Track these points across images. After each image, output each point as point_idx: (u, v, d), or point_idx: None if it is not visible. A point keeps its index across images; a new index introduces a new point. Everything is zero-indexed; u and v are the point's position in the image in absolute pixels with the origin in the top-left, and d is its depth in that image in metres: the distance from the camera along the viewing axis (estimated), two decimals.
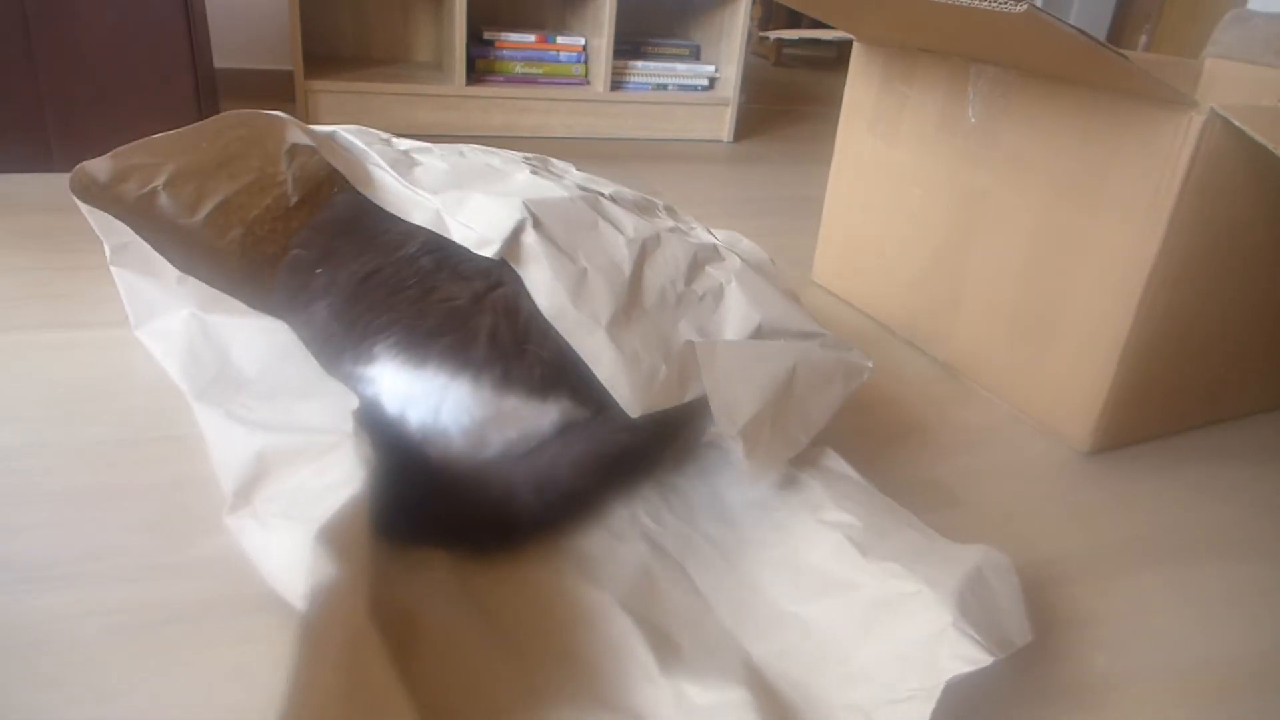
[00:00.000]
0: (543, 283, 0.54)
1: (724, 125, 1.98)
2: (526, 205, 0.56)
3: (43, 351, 0.77)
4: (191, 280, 0.62)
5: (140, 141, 0.68)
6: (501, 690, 0.46)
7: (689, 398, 0.56)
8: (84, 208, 0.64)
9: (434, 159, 0.64)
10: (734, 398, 0.55)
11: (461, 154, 0.66)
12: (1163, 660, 0.56)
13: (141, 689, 0.46)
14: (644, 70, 1.93)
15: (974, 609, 0.48)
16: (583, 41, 1.87)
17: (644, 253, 0.59)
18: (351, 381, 0.58)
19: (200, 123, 0.69)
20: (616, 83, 1.90)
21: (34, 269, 0.94)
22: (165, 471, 0.63)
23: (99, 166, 0.66)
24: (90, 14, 1.19)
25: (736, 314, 0.60)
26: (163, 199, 0.70)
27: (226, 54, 1.85)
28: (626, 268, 0.57)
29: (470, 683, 0.46)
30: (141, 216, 0.68)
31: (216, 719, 0.45)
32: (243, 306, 0.60)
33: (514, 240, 0.55)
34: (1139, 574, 0.64)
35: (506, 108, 1.80)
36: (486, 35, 1.82)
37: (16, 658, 0.47)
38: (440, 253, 0.60)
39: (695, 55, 2.05)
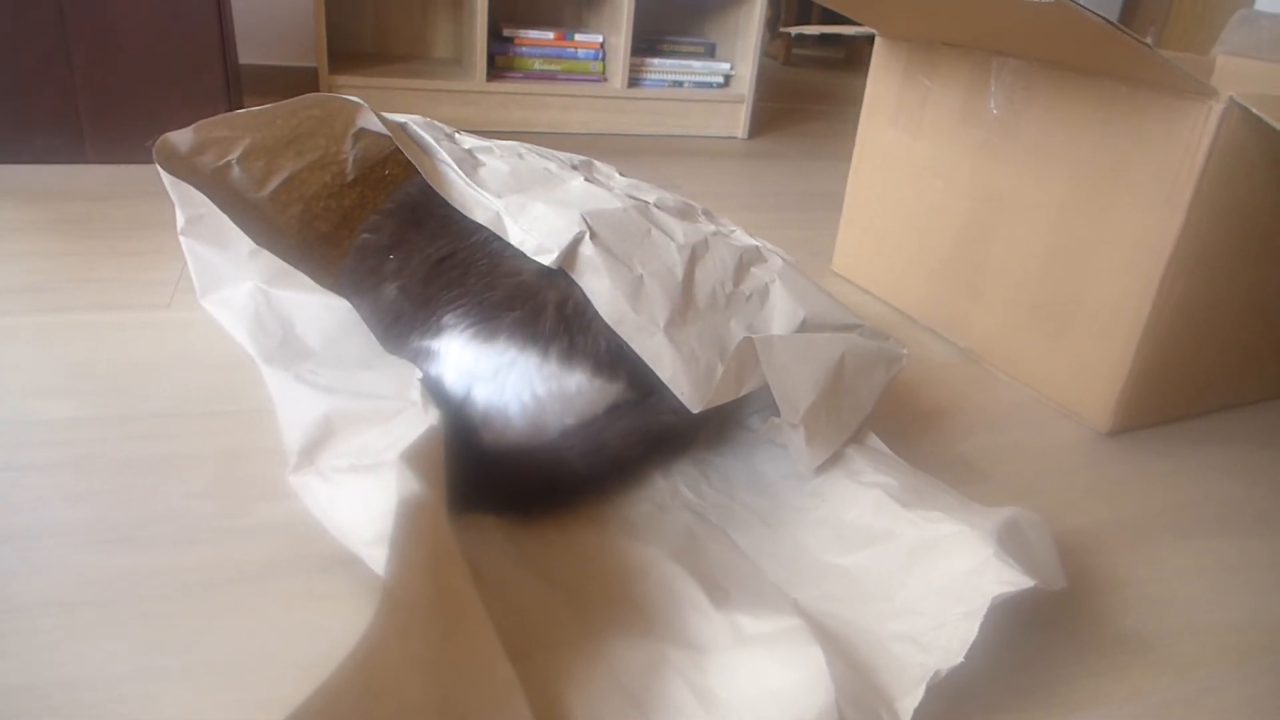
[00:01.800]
0: (602, 291, 0.57)
1: (739, 122, 2.00)
2: (584, 217, 0.59)
3: (91, 331, 0.80)
4: (265, 254, 0.64)
5: (221, 116, 0.70)
6: (559, 627, 0.48)
7: (745, 392, 0.59)
8: (165, 177, 0.66)
9: (496, 160, 0.66)
10: (793, 388, 0.59)
11: (520, 156, 0.68)
12: (1186, 624, 0.58)
13: (211, 642, 0.48)
14: (660, 67, 1.95)
15: (1011, 546, 0.50)
16: (600, 39, 1.90)
17: (694, 257, 0.62)
18: (418, 357, 0.60)
19: (279, 102, 0.71)
20: (633, 80, 1.92)
21: (76, 254, 0.96)
22: (222, 442, 0.65)
23: (181, 138, 0.69)
24: (124, 6, 1.22)
25: (782, 310, 0.63)
26: (235, 172, 0.73)
27: (250, 50, 1.88)
28: (679, 272, 0.60)
29: (527, 621, 0.48)
30: (215, 188, 0.70)
31: (286, 668, 0.47)
32: (309, 282, 0.62)
33: (572, 250, 0.57)
34: (1160, 545, 0.66)
35: (525, 103, 1.82)
36: (506, 32, 1.84)
37: (84, 612, 0.49)
38: None
39: (710, 53, 2.07)
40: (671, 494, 0.62)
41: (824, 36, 4.03)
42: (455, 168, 0.62)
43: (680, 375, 0.56)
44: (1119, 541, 0.66)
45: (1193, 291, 0.76)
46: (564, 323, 0.60)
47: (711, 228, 0.70)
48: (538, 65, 1.87)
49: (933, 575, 0.50)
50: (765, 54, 3.69)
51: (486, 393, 0.59)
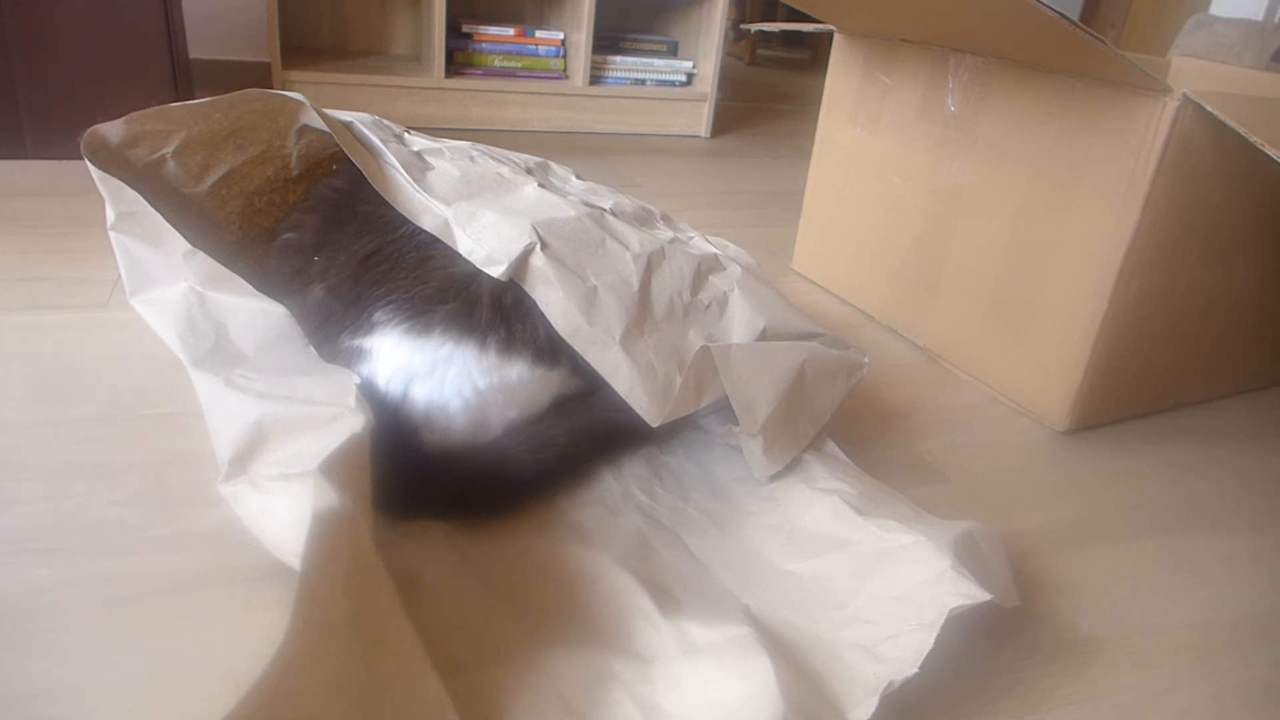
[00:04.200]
0: (555, 303, 0.55)
1: (701, 121, 1.99)
2: (535, 227, 0.57)
3: (23, 332, 0.76)
4: (201, 256, 0.61)
5: (156, 108, 0.67)
6: (500, 638, 0.46)
7: (705, 404, 0.58)
8: (94, 172, 0.63)
9: (445, 163, 0.64)
10: (752, 397, 0.57)
11: (471, 159, 0.66)
12: (1143, 624, 0.58)
13: (139, 655, 0.46)
14: (622, 65, 1.93)
15: (968, 559, 0.49)
16: (561, 36, 1.88)
17: (650, 267, 0.60)
18: (350, 357, 0.58)
19: (219, 96, 0.68)
20: (595, 77, 1.91)
21: (10, 253, 0.92)
22: (153, 447, 0.62)
23: (112, 130, 0.65)
24: None
25: (741, 320, 0.62)
26: (170, 166, 0.69)
27: (201, 45, 1.83)
28: (635, 283, 0.58)
29: (470, 631, 0.46)
30: (149, 183, 0.67)
31: (215, 683, 0.45)
32: (246, 286, 0.59)
33: (522, 262, 0.56)
34: (1117, 544, 0.66)
35: (485, 101, 1.80)
36: (465, 28, 1.82)
37: (10, 626, 0.47)
38: None
39: (673, 51, 2.06)
40: (623, 496, 0.60)
41: (788, 37, 4.05)
42: (402, 171, 0.60)
43: (638, 388, 0.55)
44: (1075, 541, 0.65)
45: (1149, 289, 0.76)
46: (500, 313, 0.58)
47: (669, 234, 0.68)
48: (498, 62, 1.84)
49: (889, 585, 0.49)
50: (730, 54, 3.69)
51: (425, 390, 0.57)
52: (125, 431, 0.64)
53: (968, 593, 0.46)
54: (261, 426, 0.51)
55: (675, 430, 0.69)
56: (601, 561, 0.52)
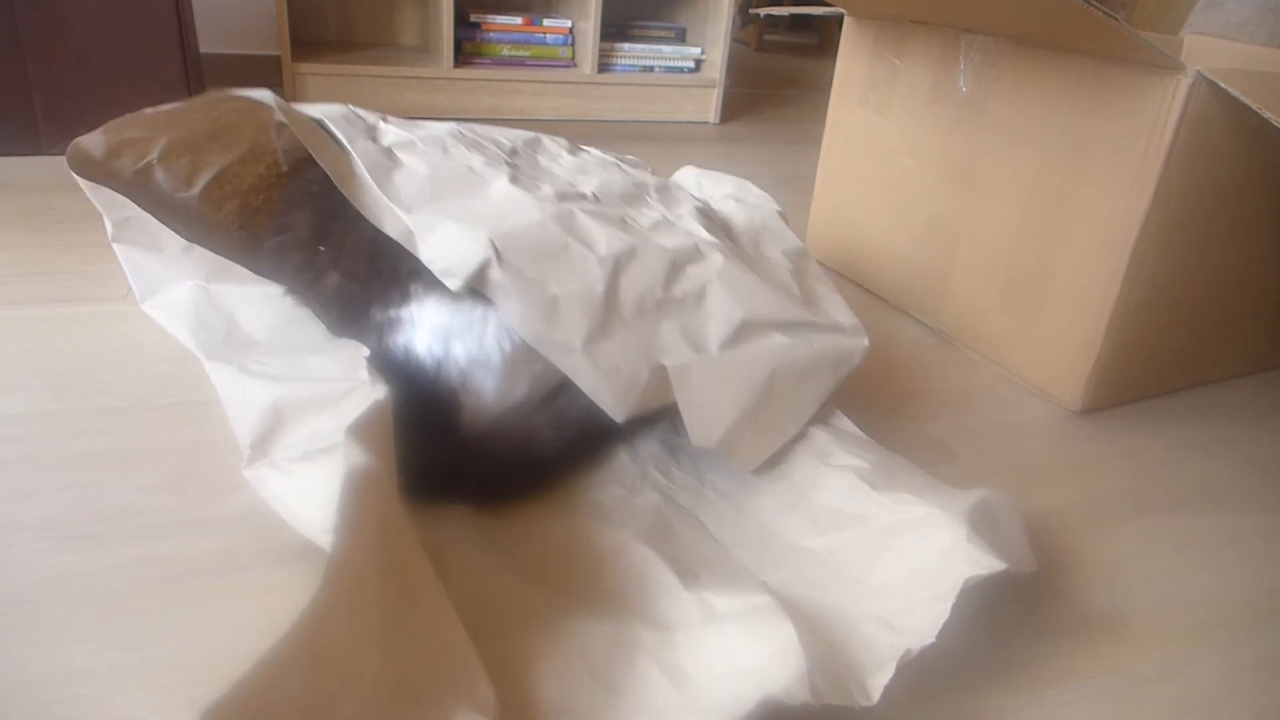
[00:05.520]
0: (514, 313, 0.56)
1: (710, 107, 1.99)
2: (493, 241, 0.57)
3: (45, 325, 0.77)
4: (197, 250, 0.62)
5: (130, 115, 0.67)
6: (525, 610, 0.47)
7: (671, 401, 0.58)
8: (83, 183, 0.64)
9: (415, 159, 0.64)
10: (710, 414, 0.58)
11: (445, 150, 0.66)
12: (1158, 601, 0.58)
13: (168, 638, 0.47)
14: (630, 53, 1.93)
15: (983, 529, 0.49)
16: (569, 24, 1.88)
17: (618, 268, 0.60)
18: (383, 330, 0.59)
19: (189, 100, 0.69)
20: (603, 65, 1.91)
21: (29, 247, 0.94)
22: (178, 435, 0.63)
23: (93, 142, 0.66)
24: None
25: (719, 312, 0.61)
26: (159, 173, 0.70)
27: (211, 39, 1.84)
28: (600, 288, 0.58)
29: (493, 605, 0.47)
30: (139, 191, 0.67)
31: (246, 663, 0.45)
32: (248, 274, 0.60)
33: (480, 275, 0.56)
34: (1132, 522, 0.66)
35: (494, 90, 1.80)
36: (473, 17, 1.82)
37: (43, 611, 0.48)
38: None
39: (681, 38, 2.05)
40: (640, 476, 0.61)
41: (795, 22, 4.03)
42: (367, 175, 0.60)
43: (601, 388, 0.55)
44: (1089, 520, 0.66)
45: (1162, 269, 0.76)
46: None
47: (656, 215, 0.68)
48: (506, 51, 1.85)
49: (904, 558, 0.50)
50: (737, 40, 3.67)
51: (466, 347, 0.58)
52: (148, 420, 0.65)
53: (982, 562, 0.46)
54: (278, 409, 0.52)
55: None
56: (621, 538, 0.53)
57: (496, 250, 0.57)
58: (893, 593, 0.48)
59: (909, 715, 0.46)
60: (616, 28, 1.97)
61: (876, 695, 0.42)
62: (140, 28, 1.24)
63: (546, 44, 1.87)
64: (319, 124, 0.65)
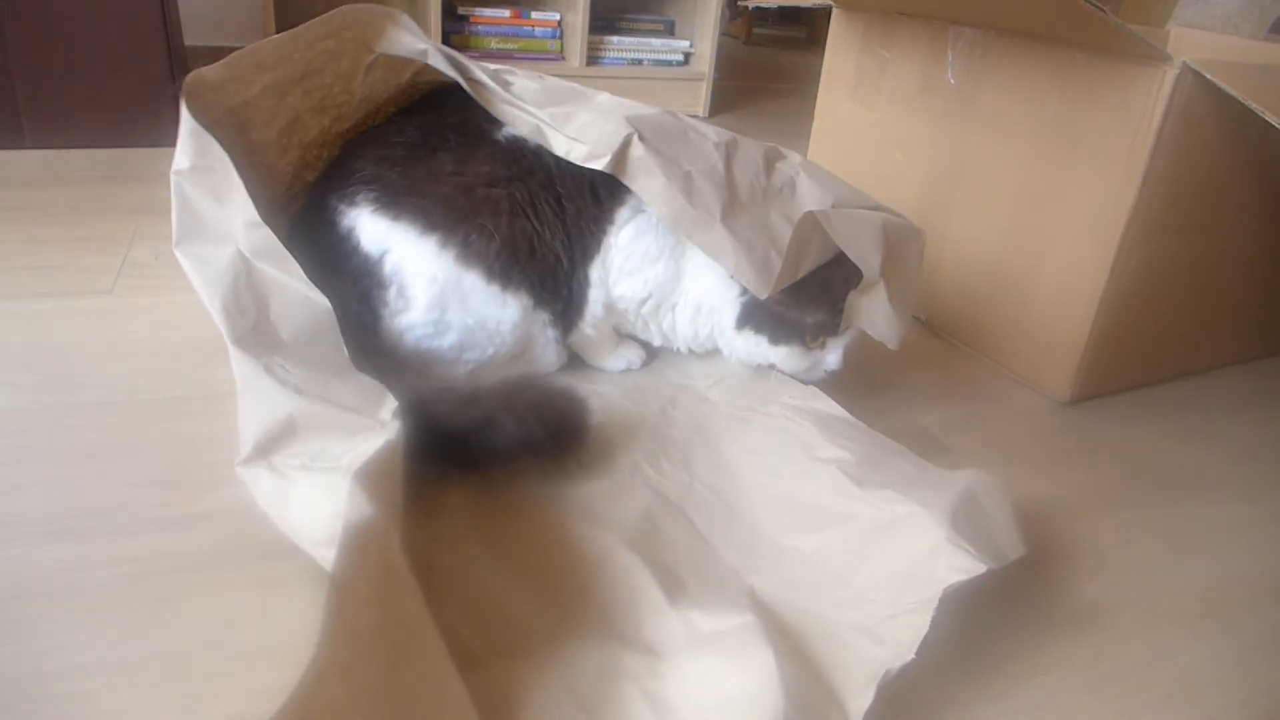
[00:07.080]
0: (658, 189, 0.59)
1: (699, 100, 1.99)
2: (630, 121, 0.60)
3: (30, 319, 0.77)
4: (265, 230, 0.58)
5: (251, 47, 0.66)
6: (515, 628, 0.47)
7: (802, 274, 0.63)
8: (187, 123, 0.59)
9: (522, 80, 0.67)
10: (863, 250, 0.63)
11: (541, 78, 0.70)
12: (1147, 589, 0.58)
13: (158, 632, 0.47)
14: (619, 46, 1.93)
15: (966, 525, 0.50)
16: (558, 17, 1.87)
17: (729, 154, 0.64)
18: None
19: (306, 24, 0.68)
20: (592, 58, 1.90)
21: (13, 241, 0.93)
22: (166, 430, 0.63)
23: (212, 72, 0.64)
24: None
25: (811, 199, 0.66)
26: (251, 111, 0.68)
27: (196, 31, 1.82)
28: (721, 168, 0.62)
29: (484, 622, 0.47)
30: (231, 128, 0.66)
31: (232, 658, 0.45)
32: (297, 269, 0.57)
33: (623, 153, 0.59)
34: (1121, 512, 0.66)
35: None
36: (461, 10, 1.81)
37: (29, 605, 0.47)
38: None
39: (670, 31, 2.05)
40: (631, 470, 0.61)
41: (784, 15, 4.02)
42: (490, 81, 0.64)
43: (743, 262, 0.60)
44: (1078, 509, 0.66)
45: (1150, 259, 0.76)
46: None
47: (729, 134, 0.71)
48: (494, 44, 1.84)
49: (888, 560, 0.50)
50: (726, 34, 3.66)
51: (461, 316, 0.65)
52: (134, 415, 0.64)
53: (963, 566, 0.47)
54: (293, 421, 0.51)
55: (679, 404, 0.70)
56: (610, 542, 0.53)
57: (636, 129, 0.60)
58: (875, 597, 0.48)
59: (895, 704, 0.46)
60: (605, 20, 1.97)
61: None
62: (124, 21, 1.23)
63: (535, 37, 1.87)
64: (424, 54, 0.67)
